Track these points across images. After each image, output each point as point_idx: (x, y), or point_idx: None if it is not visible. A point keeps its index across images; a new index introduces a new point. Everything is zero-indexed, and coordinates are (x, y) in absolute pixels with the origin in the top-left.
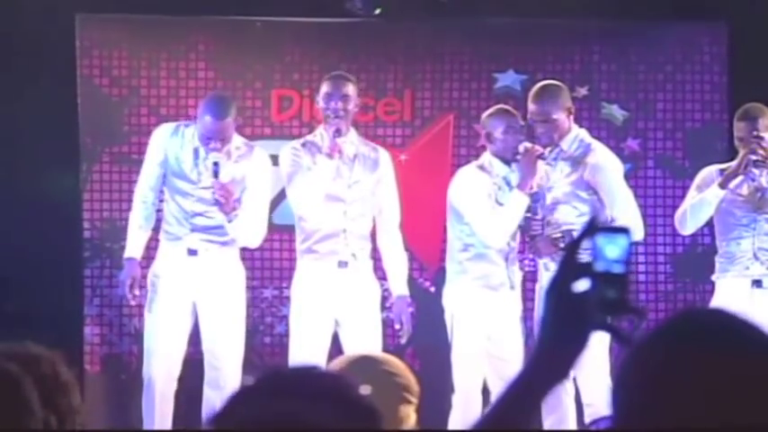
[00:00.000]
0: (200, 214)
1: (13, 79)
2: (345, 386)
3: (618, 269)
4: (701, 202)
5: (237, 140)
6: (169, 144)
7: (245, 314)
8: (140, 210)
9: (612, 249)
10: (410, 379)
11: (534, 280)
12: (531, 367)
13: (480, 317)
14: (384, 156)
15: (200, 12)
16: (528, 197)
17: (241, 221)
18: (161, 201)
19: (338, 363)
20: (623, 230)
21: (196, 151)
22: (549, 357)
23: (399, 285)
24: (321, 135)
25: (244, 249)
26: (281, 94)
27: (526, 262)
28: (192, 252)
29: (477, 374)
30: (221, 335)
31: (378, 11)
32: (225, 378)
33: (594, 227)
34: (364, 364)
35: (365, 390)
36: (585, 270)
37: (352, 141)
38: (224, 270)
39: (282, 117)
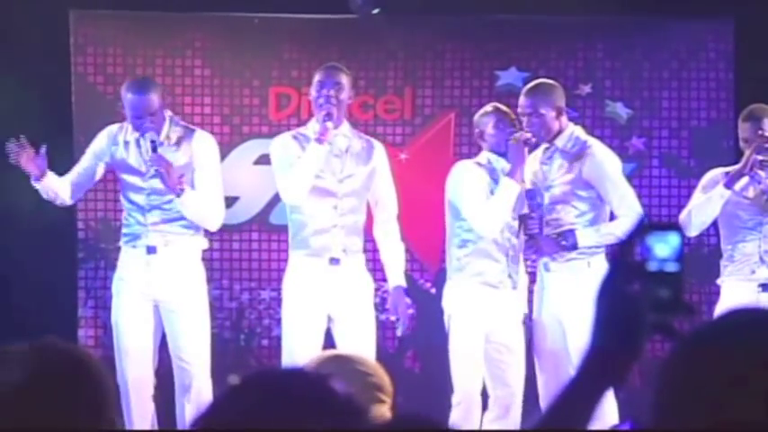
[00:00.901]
0: (156, 207)
1: (5, 77)
2: (329, 387)
3: (671, 268)
4: (705, 203)
5: (176, 127)
6: (114, 144)
7: (243, 316)
8: (62, 180)
9: (663, 248)
10: (384, 378)
11: (533, 281)
12: (585, 373)
13: (478, 315)
14: (378, 147)
15: (196, 8)
16: (518, 185)
17: (193, 199)
18: (120, 209)
19: (312, 362)
20: (674, 227)
21: (138, 141)
22: (604, 362)
23: (396, 276)
24: (312, 125)
25: (240, 251)
26: (278, 92)
27: (528, 262)
28: (151, 249)
29: (477, 375)
30: (185, 334)
31: (376, 11)
32: (191, 377)
33: (645, 226)
34: (337, 362)
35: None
36: (638, 270)
37: (344, 134)
38: (183, 267)
39: (280, 115)
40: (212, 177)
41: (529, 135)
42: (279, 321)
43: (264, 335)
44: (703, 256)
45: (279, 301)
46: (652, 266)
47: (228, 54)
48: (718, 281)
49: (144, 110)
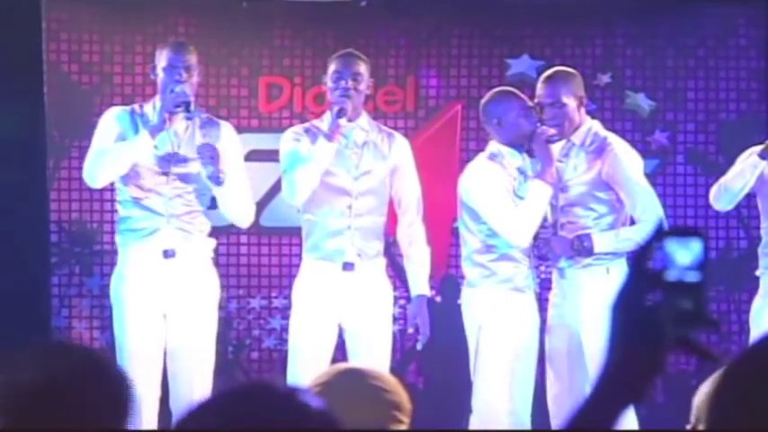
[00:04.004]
0: (179, 196)
1: None
2: (301, 403)
3: (692, 277)
4: (738, 174)
5: (201, 114)
6: (134, 127)
7: (230, 326)
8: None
9: (685, 255)
10: (402, 396)
11: (548, 288)
12: (602, 390)
13: (510, 325)
14: (400, 141)
15: None
16: (551, 187)
17: (231, 190)
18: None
19: (324, 375)
20: (696, 234)
21: (163, 121)
22: (621, 378)
23: (419, 284)
24: (327, 118)
25: (228, 255)
26: (269, 82)
27: (542, 268)
28: (169, 254)
29: (504, 393)
30: (191, 351)
31: (363, 2)
32: (190, 400)
33: (664, 231)
34: (351, 377)
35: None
36: (656, 280)
37: (362, 127)
38: (199, 275)
39: (271, 107)
40: (243, 173)
41: (551, 133)
42: (270, 332)
43: (254, 347)
44: (733, 260)
45: (270, 310)
46: (671, 276)
47: (215, 41)
48: (757, 272)
49: (184, 61)
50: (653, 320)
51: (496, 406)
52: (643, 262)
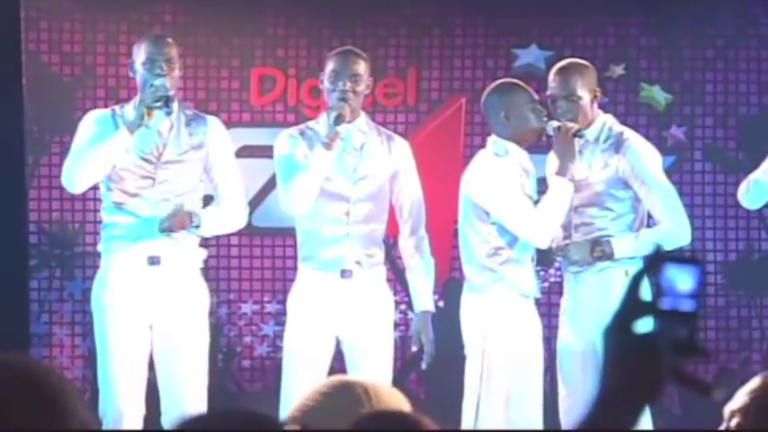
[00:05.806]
0: (166, 200)
1: None
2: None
3: (687, 306)
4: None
5: (186, 111)
6: (109, 132)
7: (221, 333)
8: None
9: (684, 281)
10: None
11: (560, 292)
12: (594, 419)
13: (519, 333)
14: (400, 144)
15: None
16: (572, 184)
17: (212, 218)
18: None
19: (317, 389)
20: (693, 261)
21: (142, 116)
22: (614, 408)
23: (421, 299)
24: (324, 120)
25: (218, 257)
26: (262, 74)
27: (551, 272)
28: (154, 261)
29: (507, 405)
30: (182, 363)
31: None
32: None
33: (661, 256)
34: (343, 392)
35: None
36: (649, 307)
37: (360, 129)
38: (187, 282)
39: (263, 100)
40: (234, 172)
41: (579, 127)
42: (262, 339)
43: (246, 355)
44: (753, 263)
45: (262, 315)
46: (666, 303)
47: (203, 30)
48: None
49: (163, 54)
50: (649, 348)
51: (499, 418)
52: (637, 288)
